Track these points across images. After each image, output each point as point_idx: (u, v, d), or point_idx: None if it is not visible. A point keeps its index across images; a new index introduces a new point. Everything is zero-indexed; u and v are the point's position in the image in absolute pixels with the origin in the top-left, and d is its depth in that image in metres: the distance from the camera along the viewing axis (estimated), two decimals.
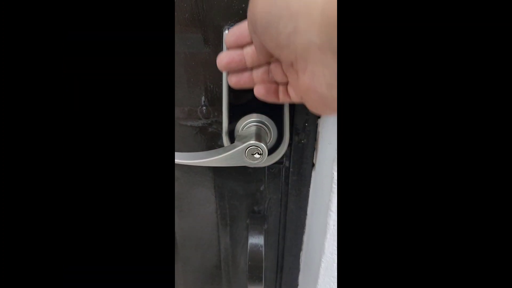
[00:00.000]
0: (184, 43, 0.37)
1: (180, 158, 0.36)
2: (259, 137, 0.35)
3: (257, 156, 0.34)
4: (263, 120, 0.39)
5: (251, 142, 0.33)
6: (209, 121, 0.42)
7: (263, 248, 0.43)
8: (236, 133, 0.40)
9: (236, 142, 0.36)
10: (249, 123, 0.39)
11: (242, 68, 0.31)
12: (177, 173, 0.47)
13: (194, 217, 0.51)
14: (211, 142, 0.44)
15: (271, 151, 0.41)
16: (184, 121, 0.42)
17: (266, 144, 0.35)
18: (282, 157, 0.43)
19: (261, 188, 0.48)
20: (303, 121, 0.41)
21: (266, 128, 0.39)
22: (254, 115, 0.39)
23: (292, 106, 0.40)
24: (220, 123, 0.42)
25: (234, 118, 0.39)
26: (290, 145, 0.42)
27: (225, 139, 0.41)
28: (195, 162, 0.35)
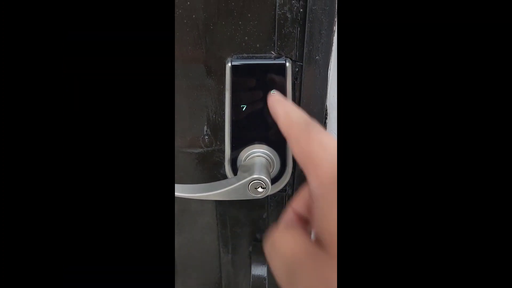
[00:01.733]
0: (187, 75, 0.37)
1: (181, 191, 0.35)
2: (262, 169, 0.35)
3: (260, 190, 0.33)
4: (265, 151, 0.39)
5: (254, 176, 0.33)
6: (211, 150, 0.42)
7: (266, 281, 0.42)
8: (239, 163, 0.40)
9: (239, 174, 0.36)
10: (252, 153, 0.38)
11: None
12: (179, 202, 0.46)
13: (196, 245, 0.50)
14: (213, 171, 0.43)
15: (274, 180, 0.40)
16: (185, 148, 0.42)
17: (269, 176, 0.35)
18: (285, 186, 0.43)
19: (264, 216, 0.47)
20: None
21: (269, 158, 0.39)
22: (257, 145, 0.38)
23: None
24: (222, 151, 0.41)
25: (236, 147, 0.39)
26: (293, 173, 0.42)
27: (228, 168, 0.41)
28: (197, 195, 0.35)
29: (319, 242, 0.20)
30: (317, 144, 0.22)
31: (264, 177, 0.33)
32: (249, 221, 0.48)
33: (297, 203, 0.27)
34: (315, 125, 0.24)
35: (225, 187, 0.34)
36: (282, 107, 0.27)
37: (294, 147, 0.24)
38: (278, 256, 0.21)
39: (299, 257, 0.20)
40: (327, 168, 0.20)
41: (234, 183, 0.33)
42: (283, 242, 0.22)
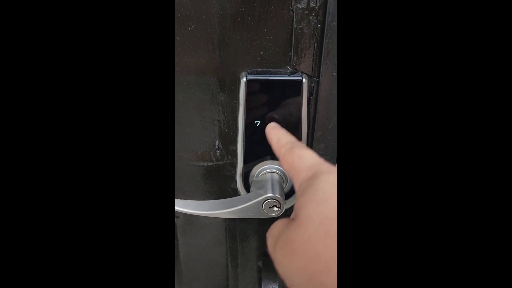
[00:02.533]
0: (199, 88, 0.36)
1: (193, 208, 0.34)
2: (277, 186, 0.34)
3: (275, 209, 0.32)
4: (278, 166, 0.38)
5: (269, 195, 0.32)
6: (222, 164, 0.41)
7: None
8: (251, 178, 0.39)
9: (252, 191, 0.35)
10: (265, 169, 0.38)
11: None
12: (187, 214, 0.45)
13: (204, 259, 0.49)
14: (224, 185, 0.42)
15: (287, 196, 0.39)
16: (196, 162, 0.41)
17: (283, 194, 0.34)
18: None
19: None
20: None
21: (282, 174, 0.38)
22: (270, 160, 0.38)
23: None
24: (234, 166, 0.41)
25: (249, 162, 0.38)
26: None
27: (239, 183, 0.40)
28: (209, 213, 0.34)
29: (294, 218, 0.26)
30: (297, 157, 0.28)
31: (279, 196, 0.32)
32: (259, 235, 0.47)
33: None
34: (298, 145, 0.31)
35: (238, 205, 0.33)
36: (274, 133, 0.33)
37: (283, 163, 0.30)
38: (270, 236, 0.27)
39: (281, 228, 0.26)
40: (304, 172, 0.27)
41: (248, 201, 0.32)
42: (273, 225, 0.28)
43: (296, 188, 0.27)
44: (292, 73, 0.34)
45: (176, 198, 0.43)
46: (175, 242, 0.48)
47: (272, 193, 0.32)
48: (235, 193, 0.43)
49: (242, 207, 0.33)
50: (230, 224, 0.46)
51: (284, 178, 0.38)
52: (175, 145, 0.40)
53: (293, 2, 0.32)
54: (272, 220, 0.43)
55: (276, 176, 0.36)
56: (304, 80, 0.34)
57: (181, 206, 0.34)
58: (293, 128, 0.36)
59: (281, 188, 0.35)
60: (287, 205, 0.40)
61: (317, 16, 0.32)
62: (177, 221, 0.46)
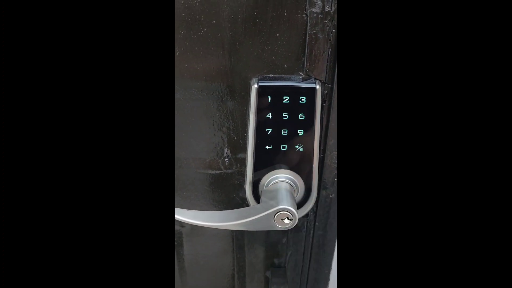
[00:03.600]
0: (208, 94, 0.35)
1: (201, 220, 0.33)
2: (289, 198, 0.33)
3: (287, 221, 0.31)
4: (289, 176, 0.36)
5: (281, 206, 0.31)
6: (230, 172, 0.40)
7: None
8: (261, 188, 0.37)
9: (263, 202, 0.33)
10: (275, 178, 0.36)
11: None
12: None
13: (210, 269, 0.48)
14: (232, 194, 0.41)
15: (298, 206, 0.38)
16: (204, 169, 0.40)
17: (295, 205, 0.32)
18: (308, 211, 0.40)
19: (283, 241, 0.45)
20: (332, 175, 0.38)
21: (293, 184, 0.36)
22: (281, 169, 0.36)
23: (322, 161, 0.37)
24: (242, 174, 0.39)
25: (259, 170, 0.37)
26: (316, 199, 0.40)
27: (249, 192, 0.38)
28: (218, 225, 0.32)
29: None
30: None
31: (291, 208, 0.31)
32: (267, 245, 0.45)
33: None
34: None
35: (249, 217, 0.31)
36: None
37: None
38: None
39: None
40: None
41: (259, 213, 0.31)
42: None
43: None
44: (305, 79, 0.33)
45: (184, 207, 0.42)
46: (181, 252, 0.47)
47: (284, 205, 0.31)
48: (244, 202, 0.41)
49: (253, 219, 0.31)
50: (238, 233, 0.44)
51: (296, 187, 0.36)
52: (183, 153, 0.38)
53: (307, 6, 0.30)
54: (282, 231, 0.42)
55: (287, 186, 0.35)
56: (318, 86, 0.32)
57: (191, 217, 0.33)
58: (306, 136, 0.34)
59: (293, 198, 0.34)
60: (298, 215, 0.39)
61: (332, 20, 0.31)
62: (183, 230, 0.45)
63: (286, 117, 0.33)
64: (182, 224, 0.44)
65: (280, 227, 0.31)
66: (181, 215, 0.34)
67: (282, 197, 0.32)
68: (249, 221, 0.31)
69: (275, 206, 0.31)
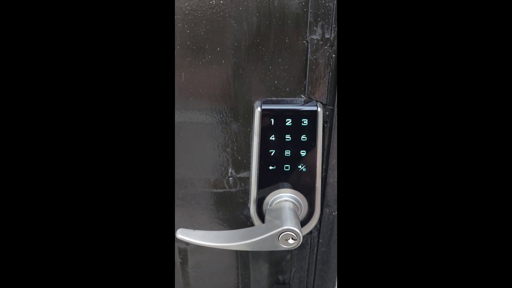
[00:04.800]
0: (214, 117, 0.36)
1: (206, 240, 0.34)
2: (293, 217, 0.33)
3: (291, 241, 0.32)
4: (293, 195, 0.37)
5: (286, 227, 0.31)
6: (234, 191, 0.41)
7: None
8: (265, 206, 0.38)
9: (267, 222, 0.34)
10: (279, 197, 0.37)
11: None
12: None
13: (215, 286, 0.48)
14: (236, 212, 0.42)
15: (301, 224, 0.39)
16: (209, 188, 0.41)
17: (299, 224, 0.33)
18: (311, 229, 0.41)
19: (287, 258, 0.45)
20: (334, 193, 0.39)
21: (296, 202, 0.37)
22: (284, 188, 0.37)
23: (324, 180, 0.38)
24: (246, 192, 0.40)
25: (263, 190, 0.38)
26: (320, 217, 0.40)
27: (253, 211, 0.39)
28: (222, 245, 0.33)
29: None
30: None
31: (296, 229, 0.31)
32: (272, 262, 0.46)
33: None
34: None
35: (253, 237, 0.32)
36: None
37: None
38: None
39: None
40: None
41: (263, 234, 0.32)
42: None
43: None
44: (306, 102, 0.34)
45: (189, 225, 0.43)
46: (186, 268, 0.47)
47: (289, 225, 0.31)
48: (248, 220, 0.42)
49: (257, 240, 0.32)
50: (242, 250, 0.45)
51: (299, 206, 0.37)
52: (189, 173, 0.39)
53: (307, 33, 0.32)
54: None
55: (291, 205, 0.36)
56: (319, 109, 0.33)
57: (197, 238, 0.33)
58: (308, 157, 0.35)
59: (297, 217, 0.34)
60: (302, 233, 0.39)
61: (332, 46, 0.32)
62: (187, 247, 0.45)
63: (288, 139, 0.34)
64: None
65: (285, 247, 0.32)
66: (186, 235, 0.34)
67: (286, 217, 0.33)
68: (254, 242, 0.32)
69: (280, 227, 0.32)
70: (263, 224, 0.34)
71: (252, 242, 0.32)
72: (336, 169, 0.37)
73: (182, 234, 0.34)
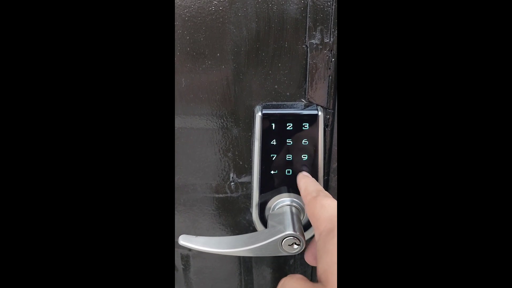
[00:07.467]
0: (214, 122, 0.36)
1: (208, 246, 0.33)
2: (296, 222, 0.33)
3: (295, 246, 0.31)
4: (295, 199, 0.37)
5: (289, 232, 0.31)
6: (236, 196, 0.40)
7: None
8: (267, 211, 0.38)
9: (270, 227, 0.34)
10: (281, 202, 0.37)
11: None
12: None
13: None
14: (238, 217, 0.42)
15: (304, 228, 0.38)
16: (210, 193, 0.41)
17: (303, 230, 0.33)
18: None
19: (291, 262, 0.45)
20: (336, 197, 0.39)
21: (299, 207, 0.37)
22: (286, 193, 0.37)
23: (326, 183, 0.38)
24: (248, 197, 0.40)
25: (265, 194, 0.37)
26: None
27: (255, 216, 0.39)
28: (225, 251, 0.33)
29: (319, 281, 0.24)
30: (319, 206, 0.28)
31: (299, 234, 0.31)
32: (275, 268, 0.45)
33: (307, 255, 0.34)
34: (324, 194, 0.30)
35: (256, 243, 0.32)
36: (304, 181, 0.34)
37: (306, 210, 0.30)
38: None
39: None
40: (324, 223, 0.26)
41: (266, 239, 0.32)
42: (289, 284, 0.26)
43: (316, 238, 0.27)
44: (307, 106, 0.34)
45: (191, 231, 0.43)
46: (188, 274, 0.47)
47: (291, 230, 0.31)
48: (250, 224, 0.42)
49: (261, 245, 0.32)
50: (245, 256, 0.45)
51: (302, 210, 0.37)
52: (190, 178, 0.39)
53: (307, 38, 0.32)
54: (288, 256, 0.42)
55: (294, 210, 0.36)
56: (320, 113, 0.33)
57: (199, 244, 0.33)
58: (310, 160, 0.35)
59: (300, 222, 0.34)
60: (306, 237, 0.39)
61: (331, 50, 0.32)
62: (189, 252, 0.45)
63: (290, 143, 0.34)
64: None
65: (288, 252, 0.32)
66: (188, 241, 0.34)
67: (289, 222, 0.33)
68: (256, 247, 0.32)
69: (283, 232, 0.31)
70: (266, 229, 0.34)
71: (255, 247, 0.32)
72: (337, 173, 0.37)
73: (184, 241, 0.34)
